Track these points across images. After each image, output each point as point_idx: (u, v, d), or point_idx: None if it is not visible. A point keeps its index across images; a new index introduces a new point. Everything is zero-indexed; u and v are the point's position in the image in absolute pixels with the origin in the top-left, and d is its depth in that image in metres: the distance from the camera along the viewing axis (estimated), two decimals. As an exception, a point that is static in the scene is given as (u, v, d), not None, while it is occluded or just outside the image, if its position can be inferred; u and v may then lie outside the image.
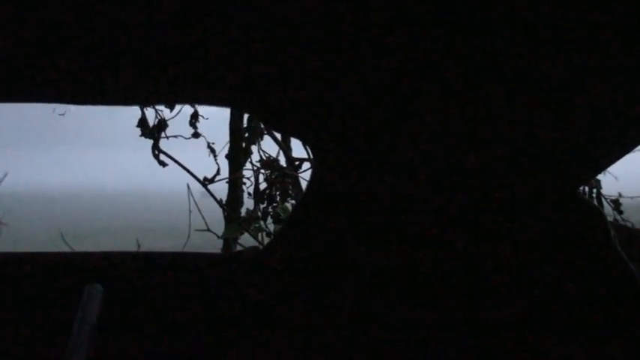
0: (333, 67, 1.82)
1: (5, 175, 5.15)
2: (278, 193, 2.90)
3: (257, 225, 2.95)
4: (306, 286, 2.08)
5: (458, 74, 1.83)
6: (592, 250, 2.04)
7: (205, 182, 3.07)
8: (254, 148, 3.09)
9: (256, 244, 3.02)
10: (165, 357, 2.05)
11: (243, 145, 3.10)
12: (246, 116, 3.11)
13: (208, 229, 3.63)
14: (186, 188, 3.95)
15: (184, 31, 1.70)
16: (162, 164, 3.09)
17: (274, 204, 2.90)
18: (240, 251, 2.31)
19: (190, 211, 3.91)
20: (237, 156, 3.13)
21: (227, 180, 3.09)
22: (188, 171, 3.13)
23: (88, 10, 1.62)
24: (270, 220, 2.99)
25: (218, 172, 3.08)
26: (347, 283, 2.08)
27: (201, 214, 3.74)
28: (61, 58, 1.81)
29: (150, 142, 3.10)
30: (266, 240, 3.02)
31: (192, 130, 3.09)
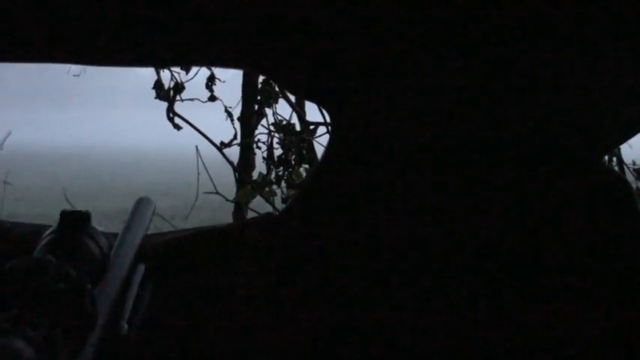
0: (346, 23, 1.77)
1: (9, 134, 5.11)
2: (293, 157, 2.85)
3: (270, 189, 2.90)
4: (325, 251, 2.04)
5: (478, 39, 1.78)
6: (618, 219, 1.99)
7: (222, 146, 3.01)
8: (268, 111, 3.04)
9: (270, 208, 2.98)
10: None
11: (256, 107, 3.04)
12: (261, 78, 3.05)
13: (217, 192, 3.61)
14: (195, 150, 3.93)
15: None
16: (177, 127, 3.04)
17: (290, 169, 2.85)
18: (255, 217, 2.27)
19: (199, 173, 3.89)
20: (249, 119, 3.07)
21: (238, 143, 3.03)
22: (203, 134, 3.07)
23: None
24: (283, 184, 2.95)
25: (235, 137, 3.02)
26: (365, 249, 2.04)
27: (209, 175, 3.71)
28: (64, 16, 1.76)
29: (161, 103, 3.05)
30: (279, 205, 2.97)
31: (209, 94, 3.02)
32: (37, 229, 2.02)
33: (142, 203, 1.38)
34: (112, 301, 1.08)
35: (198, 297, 2.00)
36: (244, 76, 3.09)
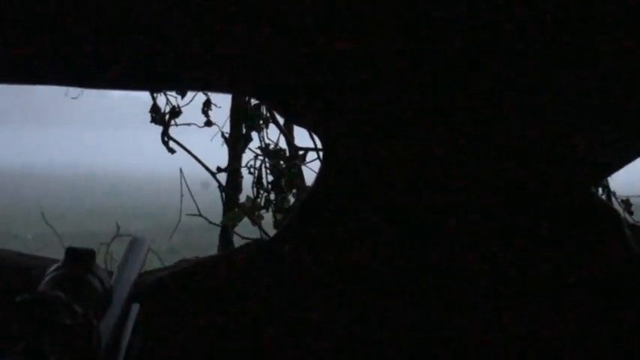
0: (340, 52, 1.78)
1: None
2: (283, 182, 2.84)
3: (258, 213, 2.89)
4: (318, 277, 2.03)
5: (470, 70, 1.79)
6: (608, 250, 2.00)
7: (219, 171, 3.01)
8: (256, 134, 3.03)
9: (257, 231, 2.96)
10: None
11: (244, 131, 3.03)
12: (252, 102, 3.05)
13: (200, 214, 3.59)
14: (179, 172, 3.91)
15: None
16: (171, 151, 3.03)
17: (281, 194, 2.84)
18: (245, 244, 2.25)
19: (182, 195, 3.86)
20: (237, 142, 3.07)
21: (227, 169, 3.02)
22: (197, 159, 3.07)
23: None
24: (272, 208, 2.93)
25: (231, 163, 3.02)
26: (359, 274, 2.03)
27: (193, 198, 3.68)
28: (63, 42, 1.76)
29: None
30: (267, 229, 2.96)
31: (201, 117, 3.03)
32: (41, 263, 2.00)
33: (136, 242, 1.39)
34: (109, 341, 1.08)
35: (191, 337, 1.99)
36: (233, 99, 3.09)
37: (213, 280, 2.04)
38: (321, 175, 2.11)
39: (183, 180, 3.78)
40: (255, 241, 2.31)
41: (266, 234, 2.82)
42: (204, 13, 1.72)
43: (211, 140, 3.28)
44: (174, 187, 4.07)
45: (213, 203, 3.59)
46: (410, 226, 2.00)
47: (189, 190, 3.72)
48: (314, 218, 2.07)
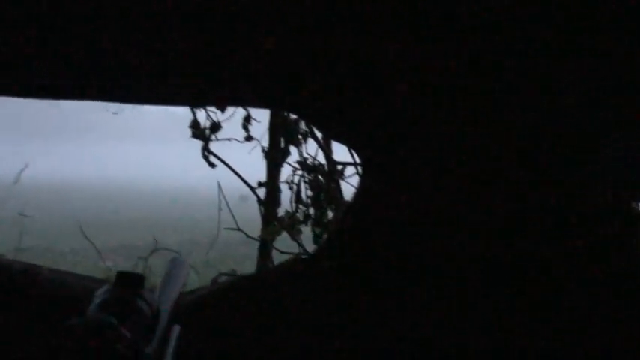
0: (378, 74, 1.77)
1: (25, 167, 5.15)
2: (322, 197, 2.84)
3: (297, 227, 2.89)
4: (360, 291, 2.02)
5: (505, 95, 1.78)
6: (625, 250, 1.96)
7: (259, 186, 3.02)
8: (294, 149, 3.04)
9: (296, 245, 2.96)
10: None
11: (283, 145, 3.04)
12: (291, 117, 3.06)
13: (238, 228, 3.60)
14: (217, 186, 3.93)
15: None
16: (212, 165, 3.05)
17: (320, 209, 2.83)
18: (286, 261, 2.25)
19: (220, 209, 3.88)
20: (275, 156, 3.07)
21: (266, 183, 3.03)
22: (237, 174, 3.08)
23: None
24: (310, 222, 2.93)
25: (269, 177, 3.02)
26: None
27: (231, 212, 3.70)
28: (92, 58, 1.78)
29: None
30: (306, 244, 2.95)
31: (245, 133, 3.04)
32: (88, 284, 2.01)
33: (176, 262, 1.41)
34: None
35: (232, 357, 1.98)
36: (271, 114, 3.10)
37: (254, 297, 2.03)
38: (360, 190, 2.10)
39: (221, 194, 3.80)
40: (294, 257, 2.31)
41: (304, 248, 2.82)
42: (239, 36, 1.73)
43: (249, 154, 3.30)
44: (210, 201, 4.08)
45: (251, 217, 3.60)
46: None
47: (227, 204, 3.74)
48: (353, 234, 2.06)
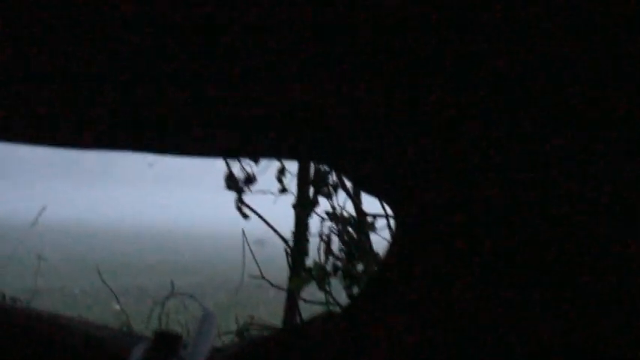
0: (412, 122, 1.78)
1: (43, 208, 5.19)
2: (355, 250, 2.85)
3: (328, 280, 2.90)
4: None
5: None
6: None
7: (294, 238, 3.04)
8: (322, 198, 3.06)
9: (322, 296, 2.97)
10: None
11: (311, 195, 3.06)
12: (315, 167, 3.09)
13: (262, 277, 3.60)
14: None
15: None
16: (245, 217, 3.07)
17: (352, 261, 2.84)
18: (319, 315, 2.24)
19: (244, 256, 3.89)
20: (303, 206, 3.09)
21: (296, 233, 3.05)
22: (269, 225, 3.10)
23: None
24: (340, 274, 2.94)
25: (305, 228, 3.04)
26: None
27: (255, 260, 3.71)
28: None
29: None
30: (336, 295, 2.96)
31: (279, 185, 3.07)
32: (125, 341, 2.00)
33: (206, 318, 1.42)
34: None
35: None
36: (300, 164, 3.13)
37: (288, 355, 2.02)
38: (394, 243, 2.10)
39: (245, 240, 3.82)
40: (329, 311, 2.30)
41: (334, 299, 2.82)
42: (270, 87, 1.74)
43: (274, 203, 3.32)
44: (223, 244, 4.09)
45: (264, 260, 3.62)
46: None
47: (251, 251, 3.76)
48: (389, 287, 2.06)
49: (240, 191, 3.02)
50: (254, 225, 3.49)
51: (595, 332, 1.93)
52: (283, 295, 3.31)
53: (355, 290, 2.86)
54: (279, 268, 3.65)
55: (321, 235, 3.03)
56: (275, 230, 3.10)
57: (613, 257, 1.92)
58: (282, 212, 3.33)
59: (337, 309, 3.04)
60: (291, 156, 2.37)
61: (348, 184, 2.95)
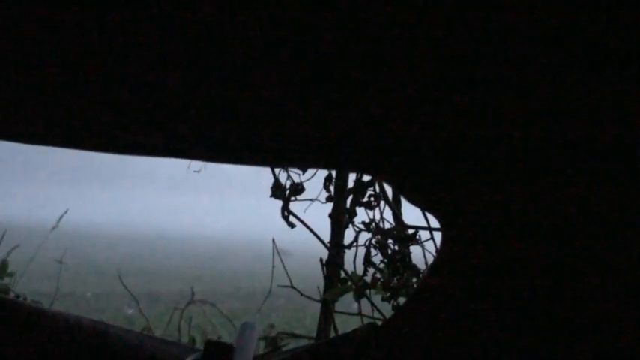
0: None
1: (65, 212, 5.22)
2: (398, 262, 2.81)
3: (367, 292, 2.86)
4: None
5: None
6: None
7: (339, 249, 3.01)
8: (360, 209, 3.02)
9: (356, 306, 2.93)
10: None
11: (348, 205, 3.02)
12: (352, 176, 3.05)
13: (292, 286, 3.57)
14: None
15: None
16: (291, 225, 3.04)
17: (394, 274, 2.80)
18: (361, 327, 2.20)
19: (274, 266, 3.86)
20: (340, 216, 3.06)
21: (347, 246, 3.02)
22: (314, 233, 3.07)
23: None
24: (379, 286, 2.90)
25: (341, 238, 3.01)
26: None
27: (285, 269, 3.68)
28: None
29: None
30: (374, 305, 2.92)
31: (326, 194, 3.03)
32: (168, 349, 1.97)
33: (246, 329, 1.40)
34: None
35: None
36: (337, 172, 3.09)
37: None
38: (440, 255, 2.07)
39: (275, 249, 3.79)
40: (371, 323, 2.26)
41: (378, 309, 2.78)
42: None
43: (304, 212, 3.28)
44: (241, 251, 4.07)
45: (291, 272, 3.58)
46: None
47: (280, 258, 3.73)
48: (433, 299, 2.02)
49: (285, 200, 2.99)
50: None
51: None
52: (293, 303, 3.29)
53: (394, 302, 2.82)
54: (303, 277, 3.63)
55: (357, 246, 2.99)
56: (321, 240, 3.07)
57: None
58: (309, 221, 3.29)
59: (367, 320, 3.00)
60: (341, 167, 2.33)
61: (389, 193, 2.91)
